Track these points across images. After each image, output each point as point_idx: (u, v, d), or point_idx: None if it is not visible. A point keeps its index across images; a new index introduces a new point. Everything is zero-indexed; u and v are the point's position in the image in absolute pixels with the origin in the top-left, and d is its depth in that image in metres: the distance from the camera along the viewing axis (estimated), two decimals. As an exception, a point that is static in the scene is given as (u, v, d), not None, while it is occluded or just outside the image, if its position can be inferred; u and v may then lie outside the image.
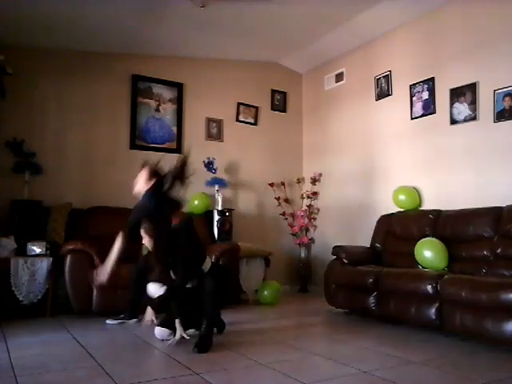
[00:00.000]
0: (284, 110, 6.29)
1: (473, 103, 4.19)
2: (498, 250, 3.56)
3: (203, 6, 4.16)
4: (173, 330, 3.07)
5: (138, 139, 5.28)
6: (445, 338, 3.23)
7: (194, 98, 5.65)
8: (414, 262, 3.85)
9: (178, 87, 5.56)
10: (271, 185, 5.88)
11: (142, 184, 3.71)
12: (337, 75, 5.83)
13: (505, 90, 3.93)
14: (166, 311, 3.15)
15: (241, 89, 5.95)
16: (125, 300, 4.02)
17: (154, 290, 3.43)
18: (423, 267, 3.76)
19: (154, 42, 5.07)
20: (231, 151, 5.78)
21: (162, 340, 3.09)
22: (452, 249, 3.81)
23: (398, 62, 5.00)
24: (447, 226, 3.97)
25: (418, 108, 4.72)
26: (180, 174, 3.52)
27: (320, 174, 5.92)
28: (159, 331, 3.15)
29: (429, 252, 3.72)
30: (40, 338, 3.22)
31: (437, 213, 4.17)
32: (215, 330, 3.30)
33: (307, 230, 5.91)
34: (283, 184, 5.98)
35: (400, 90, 4.94)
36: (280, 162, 6.11)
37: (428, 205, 4.53)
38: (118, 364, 2.60)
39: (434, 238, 3.85)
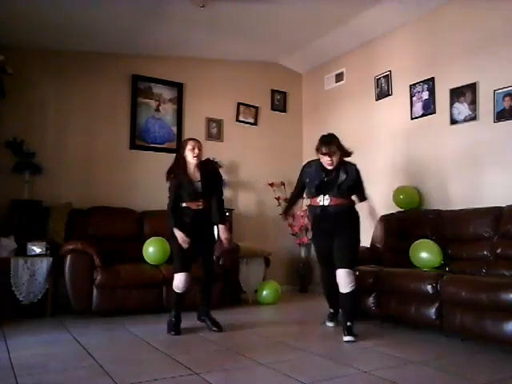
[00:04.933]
0: (284, 110, 6.28)
1: (473, 103, 4.19)
2: (498, 250, 3.56)
3: (203, 5, 4.16)
4: None
5: (138, 139, 5.28)
6: (445, 338, 3.23)
7: (194, 98, 5.65)
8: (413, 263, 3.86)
9: (178, 87, 5.56)
10: (271, 185, 5.88)
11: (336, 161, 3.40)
12: (337, 75, 5.83)
13: (505, 89, 3.93)
14: None
15: (241, 89, 5.95)
16: (125, 300, 4.04)
17: None
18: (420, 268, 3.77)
19: (154, 42, 5.07)
20: (231, 151, 5.78)
21: None
22: (452, 249, 3.81)
23: (398, 61, 5.00)
24: (447, 225, 3.97)
25: (418, 108, 4.72)
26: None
27: (320, 174, 5.91)
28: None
29: (422, 253, 3.76)
30: (40, 338, 3.22)
31: (437, 213, 4.17)
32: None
33: (307, 229, 5.90)
34: (283, 184, 5.98)
35: (400, 90, 4.94)
36: (280, 162, 6.10)
37: (428, 205, 4.53)
38: (117, 364, 2.60)
39: (425, 240, 3.90)
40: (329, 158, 3.34)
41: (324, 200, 3.40)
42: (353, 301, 3.29)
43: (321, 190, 3.41)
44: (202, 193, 3.51)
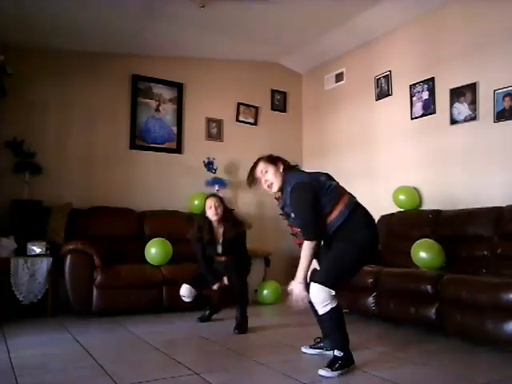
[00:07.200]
0: (284, 110, 6.28)
1: (473, 103, 4.19)
2: (498, 250, 3.56)
3: (203, 6, 4.16)
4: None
5: (138, 139, 5.28)
6: (445, 338, 3.23)
7: (194, 98, 5.65)
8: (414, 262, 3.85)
9: (178, 87, 5.56)
10: (271, 185, 5.87)
11: (274, 178, 2.74)
12: (337, 75, 5.83)
13: (505, 89, 3.93)
14: None
15: (241, 89, 5.95)
16: (125, 300, 4.04)
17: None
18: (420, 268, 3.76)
19: (154, 42, 5.07)
20: (231, 151, 5.77)
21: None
22: (452, 249, 3.81)
23: (398, 61, 5.00)
24: (447, 225, 3.97)
25: (418, 108, 4.72)
26: None
27: (320, 174, 5.91)
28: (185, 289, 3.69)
29: (424, 253, 3.73)
30: (40, 338, 3.22)
31: (437, 213, 4.17)
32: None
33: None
34: (283, 184, 5.97)
35: (400, 90, 4.94)
36: (280, 162, 6.09)
37: (428, 205, 4.53)
38: (117, 364, 2.60)
39: (428, 239, 3.86)
40: (263, 182, 2.75)
41: None
42: (331, 326, 2.53)
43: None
44: (223, 252, 3.76)
